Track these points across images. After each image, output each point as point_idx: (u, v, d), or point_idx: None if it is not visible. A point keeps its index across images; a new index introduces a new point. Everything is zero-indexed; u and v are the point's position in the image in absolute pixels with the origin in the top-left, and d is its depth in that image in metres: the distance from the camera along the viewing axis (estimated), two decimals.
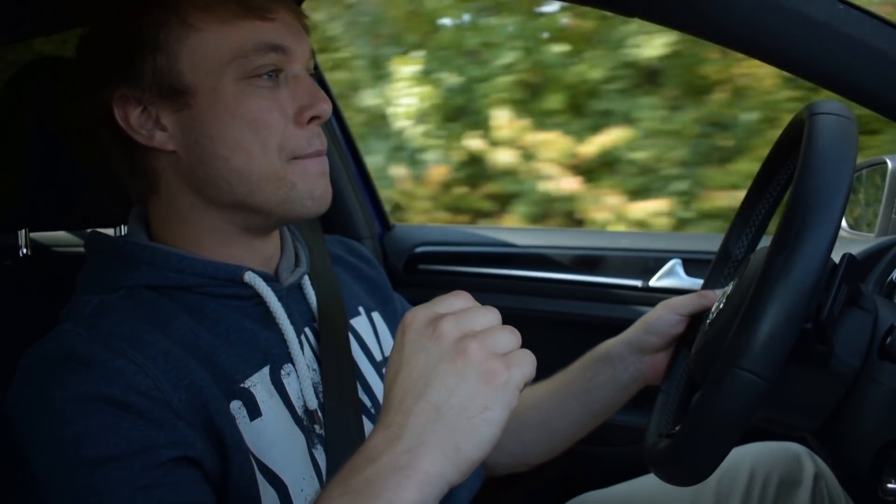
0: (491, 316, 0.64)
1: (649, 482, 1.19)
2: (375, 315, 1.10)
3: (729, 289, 0.88)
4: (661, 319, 1.04)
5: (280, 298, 0.89)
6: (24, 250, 1.12)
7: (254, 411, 0.83)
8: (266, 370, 0.86)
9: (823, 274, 0.66)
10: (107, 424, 0.72)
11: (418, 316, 0.64)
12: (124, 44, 0.83)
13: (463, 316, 0.63)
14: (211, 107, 0.82)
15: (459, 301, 0.66)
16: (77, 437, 0.71)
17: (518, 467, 1.17)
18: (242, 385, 0.83)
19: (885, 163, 1.29)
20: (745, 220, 1.00)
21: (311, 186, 0.86)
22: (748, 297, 0.67)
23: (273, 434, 0.83)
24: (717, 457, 0.69)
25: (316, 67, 1.75)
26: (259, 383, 0.85)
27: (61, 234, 1.54)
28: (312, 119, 0.86)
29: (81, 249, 0.92)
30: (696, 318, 1.02)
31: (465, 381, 0.59)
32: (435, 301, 0.65)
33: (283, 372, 0.87)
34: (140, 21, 0.82)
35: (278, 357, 0.88)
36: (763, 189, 0.96)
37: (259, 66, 0.82)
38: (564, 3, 1.14)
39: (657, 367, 1.05)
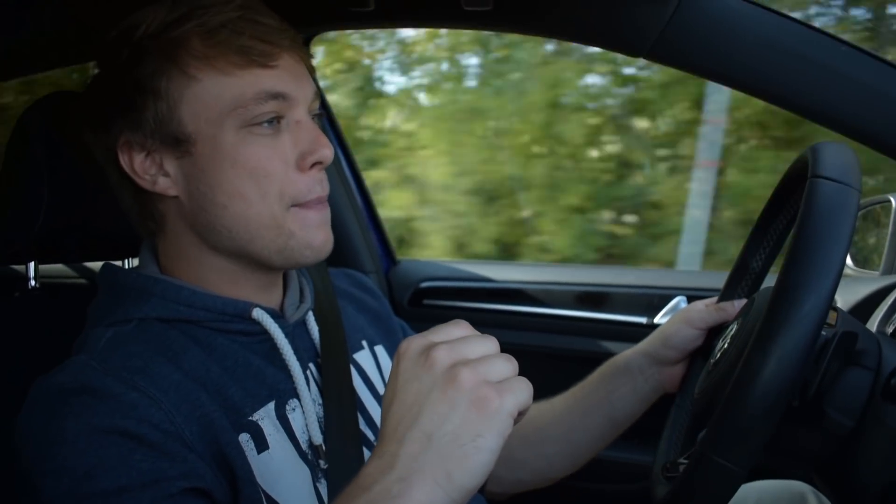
0: (488, 344, 0.64)
1: None
2: (379, 348, 1.10)
3: (733, 330, 0.88)
4: (680, 334, 1.05)
5: (286, 335, 0.89)
6: (33, 283, 1.12)
7: (261, 444, 0.83)
8: (272, 405, 0.86)
9: (806, 362, 0.66)
10: (119, 456, 0.72)
11: (413, 345, 0.64)
12: (127, 91, 0.84)
13: (457, 344, 0.63)
14: (211, 155, 0.83)
15: (456, 330, 0.66)
16: (89, 469, 0.71)
17: (541, 483, 1.17)
18: (251, 418, 0.83)
19: (890, 201, 1.29)
20: (763, 233, 1.01)
21: (311, 236, 0.87)
22: (731, 382, 0.68)
23: (279, 467, 0.83)
24: None
25: (325, 105, 1.78)
26: (266, 417, 0.85)
27: (71, 267, 1.54)
28: (314, 165, 0.86)
29: (88, 282, 0.92)
30: (713, 331, 1.03)
31: (456, 409, 0.59)
32: (432, 330, 0.65)
33: (288, 407, 0.88)
34: (141, 68, 0.83)
35: (284, 393, 0.88)
36: (780, 205, 0.97)
37: (259, 114, 0.82)
38: None
39: (675, 377, 1.07)
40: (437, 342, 0.63)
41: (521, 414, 0.61)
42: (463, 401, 0.59)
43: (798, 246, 0.68)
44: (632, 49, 1.08)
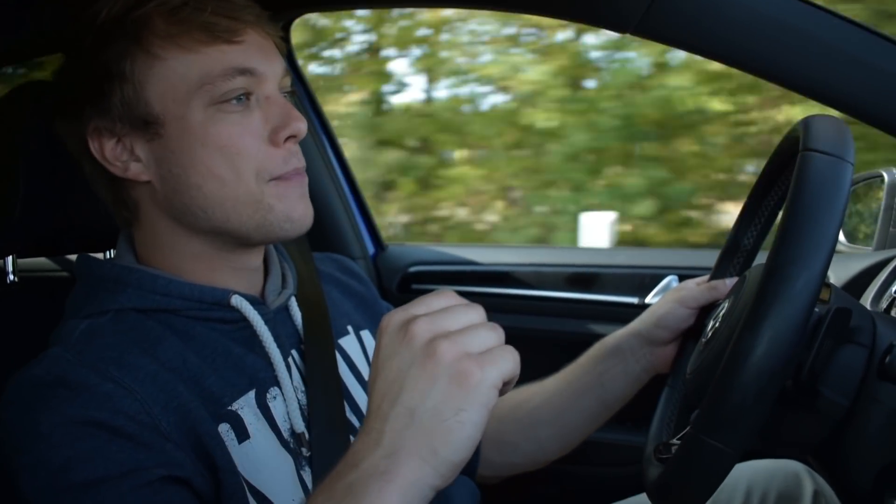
0: (471, 314, 0.62)
1: (639, 503, 1.19)
2: (365, 333, 1.09)
3: (724, 308, 0.87)
4: (672, 314, 1.04)
5: (267, 321, 0.88)
6: (12, 276, 1.11)
7: (242, 434, 0.82)
8: (252, 394, 0.85)
9: (799, 341, 0.65)
10: (95, 448, 0.72)
11: (393, 319, 0.63)
12: (93, 76, 0.83)
13: (437, 316, 0.61)
14: (181, 136, 0.82)
15: (439, 300, 0.64)
16: (66, 462, 0.71)
17: (533, 466, 1.17)
18: (230, 408, 0.83)
19: (882, 176, 1.29)
20: (754, 212, 1.00)
21: (289, 208, 0.85)
22: (722, 362, 0.67)
23: (261, 456, 0.82)
24: (702, 498, 0.68)
25: (302, 82, 1.76)
26: (246, 406, 0.84)
27: (50, 260, 1.53)
28: (288, 139, 0.85)
29: (68, 275, 0.91)
30: (704, 310, 1.02)
31: (436, 384, 0.58)
32: (414, 302, 0.64)
33: (269, 395, 0.87)
34: (105, 52, 0.82)
35: (264, 380, 0.87)
36: (772, 181, 0.96)
37: (227, 91, 0.81)
38: None
39: (667, 357, 1.06)
40: (417, 315, 0.62)
41: (507, 384, 0.60)
42: (443, 375, 0.58)
43: (789, 221, 0.67)
44: (617, 25, 1.07)
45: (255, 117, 0.84)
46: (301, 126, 0.85)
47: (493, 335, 0.61)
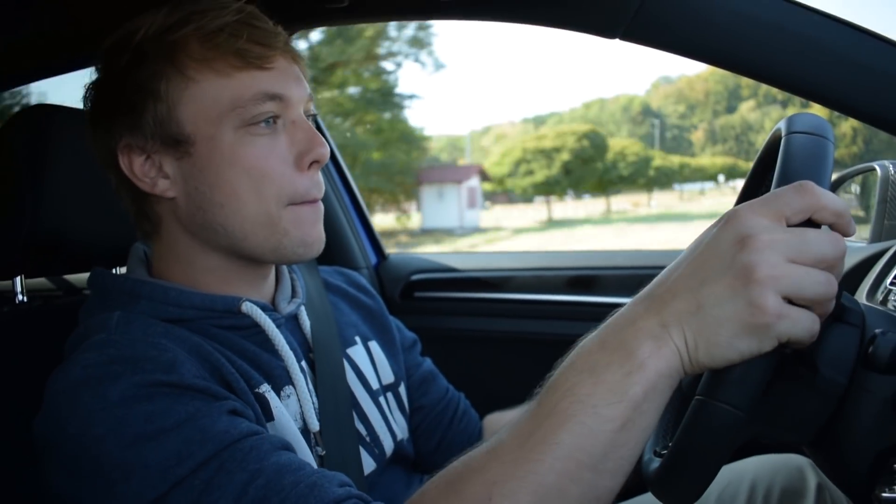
0: (824, 248, 0.59)
1: (646, 500, 1.19)
2: (372, 344, 1.11)
3: None
4: None
5: (278, 327, 0.91)
6: (21, 297, 1.12)
7: (268, 415, 0.84)
8: (269, 387, 0.87)
9: None
10: (171, 401, 0.72)
11: (744, 221, 0.61)
12: (127, 94, 0.85)
13: (780, 244, 0.59)
14: (210, 155, 0.84)
15: (800, 204, 0.61)
16: (147, 416, 0.71)
17: None
18: (257, 390, 0.85)
19: (875, 169, 1.29)
20: None
21: (305, 234, 0.88)
22: None
23: (286, 437, 0.83)
24: (704, 481, 0.68)
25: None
26: (269, 392, 0.86)
27: (58, 280, 1.54)
28: (312, 164, 0.87)
29: (76, 298, 0.92)
30: None
31: (734, 300, 0.59)
32: (774, 201, 0.61)
33: (283, 393, 0.89)
34: (141, 71, 0.84)
35: (279, 378, 0.89)
36: (761, 179, 0.97)
37: (257, 114, 0.84)
38: None
39: None
40: (763, 234, 0.59)
41: (792, 344, 0.60)
42: (744, 298, 0.59)
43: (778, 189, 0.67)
44: (606, 31, 1.08)
45: (282, 141, 0.87)
46: (324, 152, 0.88)
47: (820, 286, 0.59)
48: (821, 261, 0.60)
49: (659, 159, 39.38)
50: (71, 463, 0.71)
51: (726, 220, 0.62)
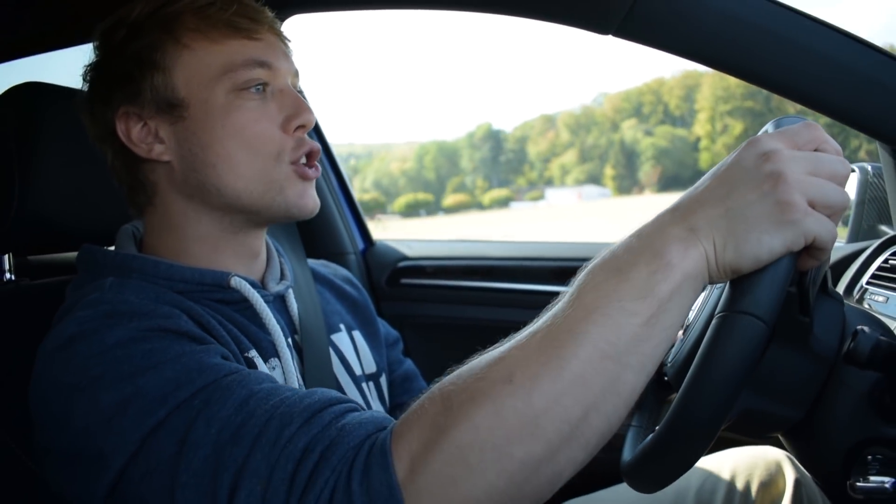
0: (837, 167, 0.64)
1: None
2: (356, 333, 1.13)
3: (700, 299, 0.90)
4: None
5: (267, 304, 0.93)
6: (9, 275, 1.12)
7: None
8: (257, 353, 0.90)
9: None
10: (169, 342, 0.75)
11: (765, 142, 0.64)
12: (126, 65, 0.90)
13: (800, 157, 0.63)
14: (203, 118, 0.89)
15: (812, 136, 0.65)
16: (146, 352, 0.73)
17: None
18: (246, 354, 0.88)
19: (854, 171, 1.31)
20: None
21: (298, 193, 0.92)
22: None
23: None
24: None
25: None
26: (257, 358, 0.89)
27: (46, 258, 1.53)
28: (298, 128, 0.91)
29: (66, 276, 0.92)
30: None
31: (762, 200, 0.61)
32: (786, 132, 0.66)
33: (269, 364, 0.91)
34: (138, 43, 0.89)
35: (266, 349, 0.91)
36: None
37: (247, 79, 0.90)
38: None
39: None
40: (784, 152, 0.63)
41: (814, 251, 0.63)
42: (771, 197, 0.61)
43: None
44: (598, 27, 1.08)
45: (271, 106, 0.92)
46: (311, 117, 0.92)
47: (839, 195, 0.63)
48: (834, 176, 0.64)
49: None
50: (63, 415, 0.72)
51: (747, 144, 0.65)
